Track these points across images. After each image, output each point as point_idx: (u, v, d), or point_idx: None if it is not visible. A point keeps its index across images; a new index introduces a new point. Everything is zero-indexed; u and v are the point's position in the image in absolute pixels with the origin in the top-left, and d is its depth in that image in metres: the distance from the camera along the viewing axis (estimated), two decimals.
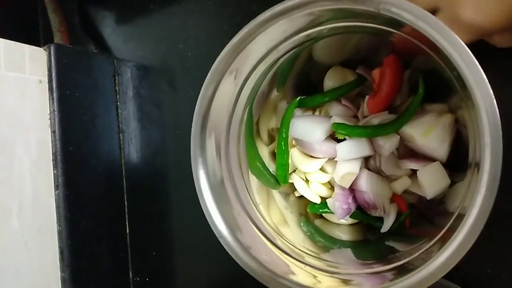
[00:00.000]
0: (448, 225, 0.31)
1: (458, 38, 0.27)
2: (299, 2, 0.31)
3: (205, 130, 0.34)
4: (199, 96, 0.34)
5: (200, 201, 0.34)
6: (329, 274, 0.34)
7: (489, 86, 0.26)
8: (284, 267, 0.33)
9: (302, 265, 0.34)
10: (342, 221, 0.42)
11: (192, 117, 0.34)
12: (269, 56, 0.36)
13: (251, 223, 0.36)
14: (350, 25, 0.34)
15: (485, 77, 0.26)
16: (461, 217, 0.28)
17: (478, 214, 0.26)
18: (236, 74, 0.35)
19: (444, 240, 0.29)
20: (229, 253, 0.33)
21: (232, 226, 0.34)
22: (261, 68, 0.37)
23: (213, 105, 0.34)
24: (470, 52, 0.26)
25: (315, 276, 0.34)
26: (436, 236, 0.33)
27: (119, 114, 0.62)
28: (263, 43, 0.34)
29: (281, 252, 0.35)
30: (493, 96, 0.26)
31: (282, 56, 0.37)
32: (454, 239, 0.27)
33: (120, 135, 0.62)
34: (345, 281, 0.34)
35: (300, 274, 0.33)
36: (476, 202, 0.26)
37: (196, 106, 0.34)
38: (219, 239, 0.33)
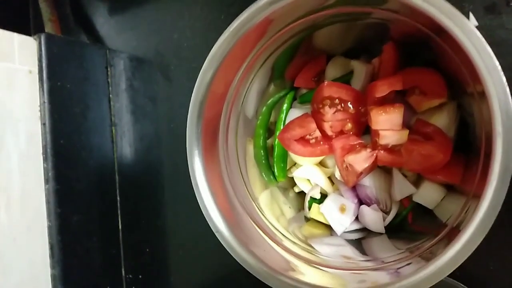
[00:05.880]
0: (456, 222, 0.30)
1: (468, 22, 0.25)
2: None
3: (202, 120, 0.33)
4: (196, 84, 0.32)
5: (196, 194, 0.33)
6: (329, 269, 0.33)
7: (501, 73, 0.25)
8: (284, 264, 0.32)
9: (301, 262, 0.33)
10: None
11: (188, 110, 0.33)
12: (270, 42, 0.34)
13: (249, 218, 0.35)
14: (354, 12, 0.32)
15: (497, 63, 0.25)
16: (470, 212, 0.27)
17: (489, 207, 0.25)
18: (236, 61, 0.33)
19: (451, 236, 0.28)
20: (226, 248, 0.31)
21: (229, 220, 0.32)
22: (261, 56, 0.35)
23: (210, 93, 0.33)
24: (482, 37, 0.25)
25: (314, 272, 0.32)
26: (441, 232, 0.32)
27: (112, 106, 0.60)
28: (264, 29, 0.32)
29: (280, 248, 0.34)
30: (506, 84, 0.24)
31: (282, 44, 0.36)
32: (463, 233, 0.26)
33: (113, 128, 0.60)
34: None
35: (300, 271, 0.31)
36: (487, 195, 0.25)
37: (193, 94, 0.33)
38: (216, 234, 0.32)
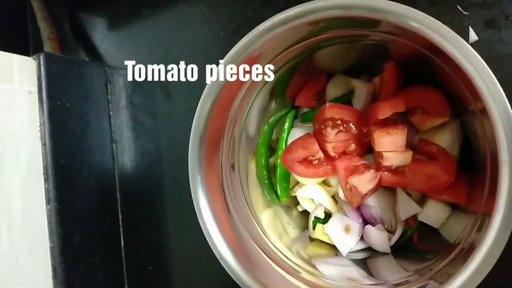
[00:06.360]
0: (464, 245, 0.30)
1: (471, 48, 0.25)
2: (301, 11, 0.29)
3: (203, 146, 0.32)
4: (197, 111, 0.32)
5: (200, 221, 0.32)
6: None
7: (506, 100, 0.24)
8: None
9: (307, 287, 0.32)
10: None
11: (188, 126, 0.32)
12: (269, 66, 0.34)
13: (253, 242, 0.35)
14: (350, 34, 0.32)
15: (501, 90, 0.24)
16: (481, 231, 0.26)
17: (498, 233, 0.25)
18: (236, 86, 0.33)
19: (466, 256, 0.27)
20: (232, 276, 0.31)
21: (234, 247, 0.32)
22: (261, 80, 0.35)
23: (211, 119, 0.32)
24: (485, 64, 0.25)
25: None
26: (450, 251, 0.32)
27: (112, 123, 0.60)
28: (263, 54, 0.32)
29: (286, 272, 0.33)
30: (510, 109, 0.24)
31: (283, 66, 0.35)
32: (477, 253, 0.25)
33: (113, 145, 0.60)
34: None
35: None
36: (494, 222, 0.25)
37: (194, 121, 0.32)
38: (220, 261, 0.32)
